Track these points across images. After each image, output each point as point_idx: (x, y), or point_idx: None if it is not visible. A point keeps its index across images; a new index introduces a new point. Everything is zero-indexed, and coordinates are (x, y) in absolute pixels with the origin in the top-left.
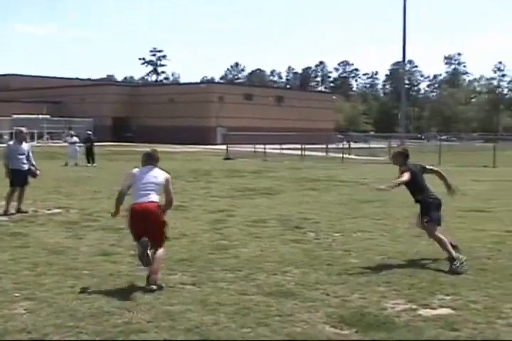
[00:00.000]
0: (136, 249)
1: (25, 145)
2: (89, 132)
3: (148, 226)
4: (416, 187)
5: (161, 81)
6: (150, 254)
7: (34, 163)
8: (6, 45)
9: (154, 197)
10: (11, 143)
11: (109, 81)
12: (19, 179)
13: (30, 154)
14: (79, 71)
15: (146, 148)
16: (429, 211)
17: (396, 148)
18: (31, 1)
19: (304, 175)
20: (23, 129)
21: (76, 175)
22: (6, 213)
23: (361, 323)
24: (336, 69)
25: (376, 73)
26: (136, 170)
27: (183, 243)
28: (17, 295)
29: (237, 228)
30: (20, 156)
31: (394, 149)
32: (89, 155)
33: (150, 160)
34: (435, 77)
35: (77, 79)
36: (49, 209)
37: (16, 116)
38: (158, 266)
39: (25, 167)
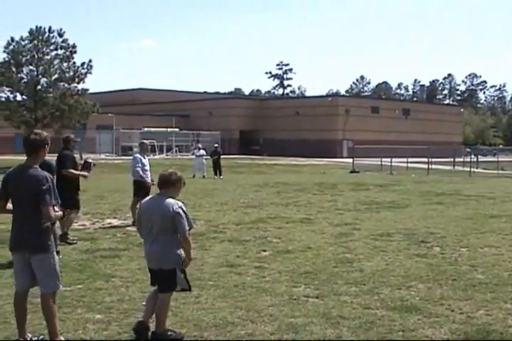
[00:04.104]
0: None
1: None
2: (217, 145)
3: None
4: None
5: (287, 94)
6: None
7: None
8: (135, 60)
9: None
10: (138, 155)
11: (236, 94)
12: (144, 190)
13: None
14: (207, 85)
15: (273, 161)
16: None
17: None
18: (158, 16)
19: (430, 189)
20: (145, 141)
21: (203, 187)
22: (134, 223)
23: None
24: (464, 82)
25: (504, 85)
26: None
27: (307, 256)
28: (144, 303)
29: (362, 241)
30: (146, 167)
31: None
32: (217, 168)
33: None
34: None
35: (205, 92)
36: None
37: (146, 129)
38: None
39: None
